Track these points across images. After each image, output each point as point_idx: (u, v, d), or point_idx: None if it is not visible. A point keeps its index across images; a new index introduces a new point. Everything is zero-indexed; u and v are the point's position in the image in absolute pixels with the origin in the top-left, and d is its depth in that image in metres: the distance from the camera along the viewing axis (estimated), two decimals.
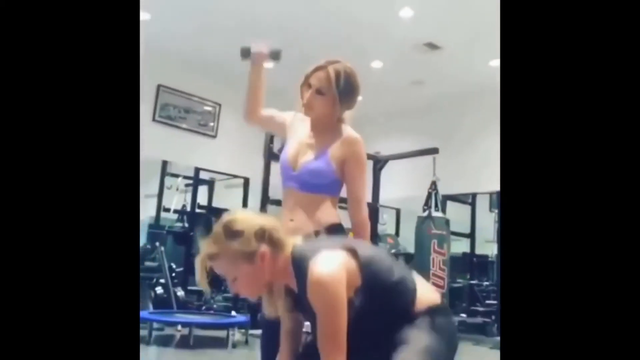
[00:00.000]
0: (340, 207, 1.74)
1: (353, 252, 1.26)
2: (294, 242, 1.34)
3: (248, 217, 1.32)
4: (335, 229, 1.67)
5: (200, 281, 1.31)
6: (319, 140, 1.73)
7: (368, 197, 5.60)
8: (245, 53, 1.83)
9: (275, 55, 1.84)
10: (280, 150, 1.83)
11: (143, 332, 4.29)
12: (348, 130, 1.74)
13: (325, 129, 1.74)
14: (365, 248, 1.34)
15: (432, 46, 6.11)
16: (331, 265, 1.20)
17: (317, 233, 1.63)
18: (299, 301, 1.33)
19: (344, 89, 1.68)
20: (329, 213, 1.69)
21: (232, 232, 1.28)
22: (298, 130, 1.80)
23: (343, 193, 1.75)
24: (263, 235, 1.29)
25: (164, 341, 4.47)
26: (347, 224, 1.74)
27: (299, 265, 1.27)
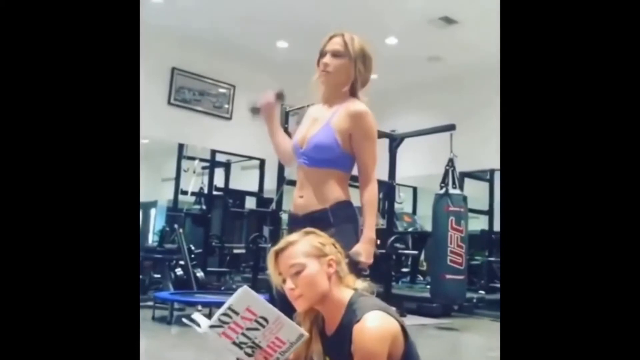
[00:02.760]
0: (352, 186, 1.73)
1: (403, 328, 1.26)
2: (355, 282, 1.36)
3: (326, 235, 1.39)
4: (343, 206, 1.66)
5: (272, 272, 1.34)
6: (325, 114, 1.72)
7: (384, 176, 5.60)
8: (255, 111, 1.86)
9: (280, 96, 1.87)
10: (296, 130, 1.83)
11: (164, 313, 4.36)
12: (354, 102, 1.70)
13: (334, 101, 1.73)
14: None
15: (448, 20, 5.99)
16: (384, 324, 1.21)
17: (325, 210, 1.63)
18: (330, 345, 1.32)
19: (359, 53, 1.69)
20: (338, 189, 1.67)
21: (313, 234, 1.36)
22: (311, 112, 1.81)
23: (355, 171, 1.73)
24: (335, 252, 1.35)
25: None
26: (356, 202, 1.72)
27: (353, 312, 1.25)
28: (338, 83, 1.71)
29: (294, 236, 1.35)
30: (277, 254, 1.32)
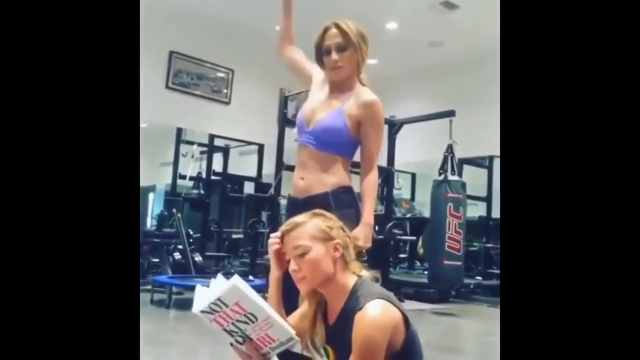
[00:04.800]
0: (352, 172, 1.73)
1: (405, 318, 1.25)
2: (361, 269, 1.34)
3: (335, 218, 1.36)
4: (344, 191, 1.66)
5: (270, 253, 1.35)
6: (336, 99, 1.72)
7: (383, 162, 5.60)
8: None
9: None
10: (295, 115, 1.83)
11: (163, 296, 4.39)
12: (366, 91, 1.72)
13: (345, 88, 1.73)
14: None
15: (449, 5, 5.94)
16: (386, 314, 1.20)
17: (326, 194, 1.63)
18: (331, 334, 1.31)
19: (359, 38, 1.69)
20: (340, 174, 1.68)
21: (322, 216, 1.33)
22: (319, 90, 1.79)
23: (356, 157, 1.73)
24: (343, 235, 1.32)
25: (183, 305, 4.57)
26: (356, 188, 1.72)
27: (356, 299, 1.24)
28: (349, 74, 1.72)
29: (301, 217, 1.33)
30: (284, 234, 1.32)
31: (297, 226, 1.30)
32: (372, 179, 1.69)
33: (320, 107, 1.73)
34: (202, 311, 1.19)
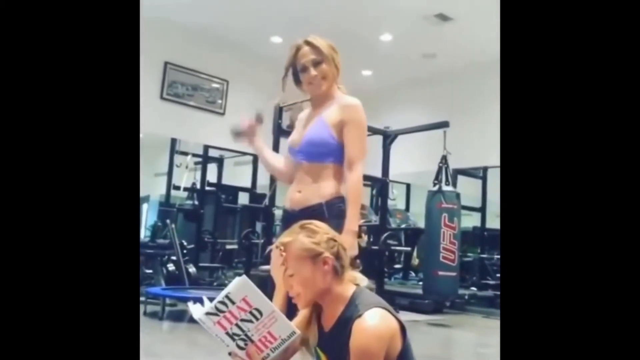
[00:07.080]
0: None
1: (402, 328, 1.25)
2: (359, 277, 1.34)
3: (325, 227, 1.36)
4: (339, 201, 1.68)
5: (273, 270, 1.35)
6: (318, 112, 1.78)
7: (378, 172, 5.61)
8: (238, 134, 1.93)
9: (260, 119, 1.93)
10: (289, 126, 1.88)
11: (156, 308, 4.35)
12: (346, 97, 1.77)
13: (325, 99, 1.78)
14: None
15: (443, 17, 5.99)
16: (384, 323, 1.21)
17: (320, 204, 1.65)
18: (326, 340, 1.31)
19: (329, 50, 1.74)
20: (334, 185, 1.70)
21: (307, 229, 1.32)
22: (303, 117, 1.87)
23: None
24: (333, 246, 1.31)
25: (177, 316, 4.54)
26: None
27: (355, 306, 1.24)
28: (328, 86, 1.77)
29: (288, 235, 1.33)
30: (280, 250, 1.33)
31: (284, 246, 1.31)
32: (354, 182, 1.67)
33: (304, 124, 1.81)
34: (208, 313, 1.20)
